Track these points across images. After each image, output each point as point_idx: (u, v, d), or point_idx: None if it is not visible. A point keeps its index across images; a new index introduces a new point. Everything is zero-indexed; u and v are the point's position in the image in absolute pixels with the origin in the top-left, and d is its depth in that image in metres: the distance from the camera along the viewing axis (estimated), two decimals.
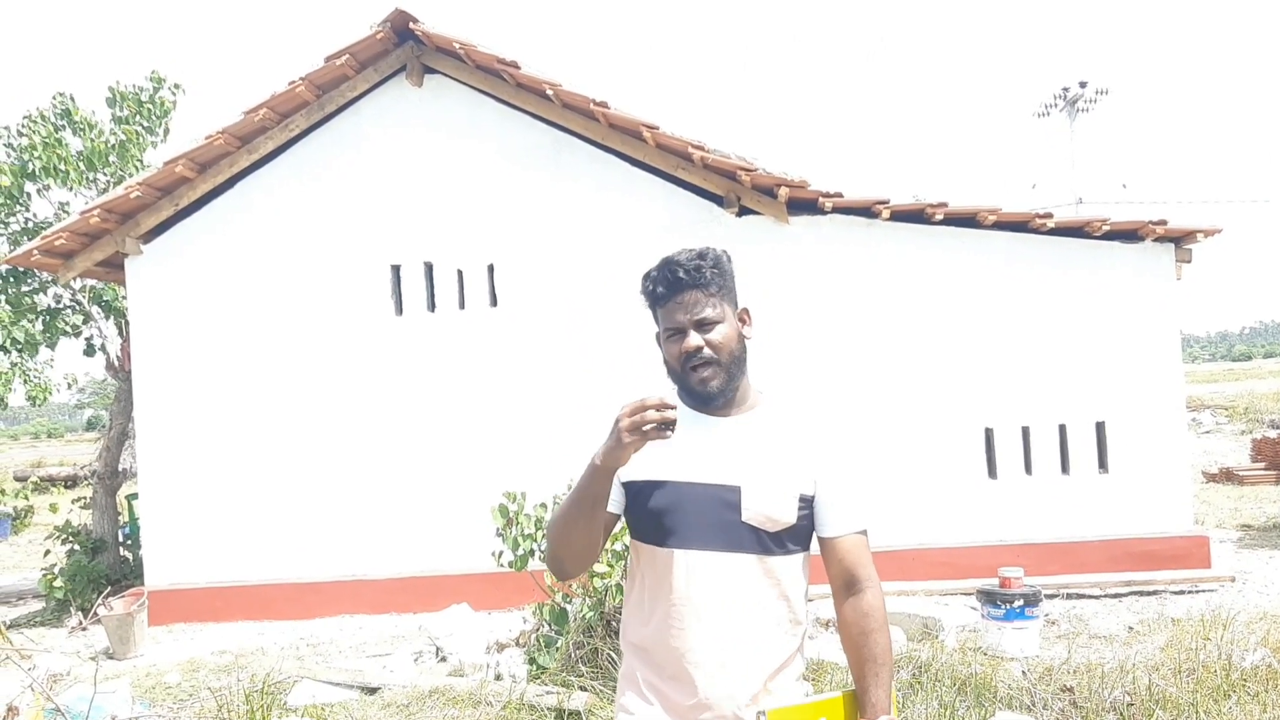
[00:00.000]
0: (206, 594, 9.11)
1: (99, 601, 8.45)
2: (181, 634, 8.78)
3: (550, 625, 6.29)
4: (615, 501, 2.20)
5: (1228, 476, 14.75)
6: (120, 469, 11.24)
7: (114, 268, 9.58)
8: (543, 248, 8.95)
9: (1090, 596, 8.09)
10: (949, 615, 7.06)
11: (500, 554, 6.41)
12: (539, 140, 8.99)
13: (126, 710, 5.92)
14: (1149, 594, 8.02)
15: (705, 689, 2.14)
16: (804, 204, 8.60)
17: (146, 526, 9.32)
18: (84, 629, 9.00)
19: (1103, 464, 8.56)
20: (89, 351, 11.79)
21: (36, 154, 11.00)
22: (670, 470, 2.18)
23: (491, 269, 9.06)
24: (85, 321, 11.84)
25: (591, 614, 5.89)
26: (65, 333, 11.82)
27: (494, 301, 9.06)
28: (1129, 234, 8.44)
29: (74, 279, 9.78)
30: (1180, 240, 8.44)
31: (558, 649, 6.09)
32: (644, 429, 1.92)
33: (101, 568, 10.37)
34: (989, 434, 8.66)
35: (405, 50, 8.91)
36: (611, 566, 5.91)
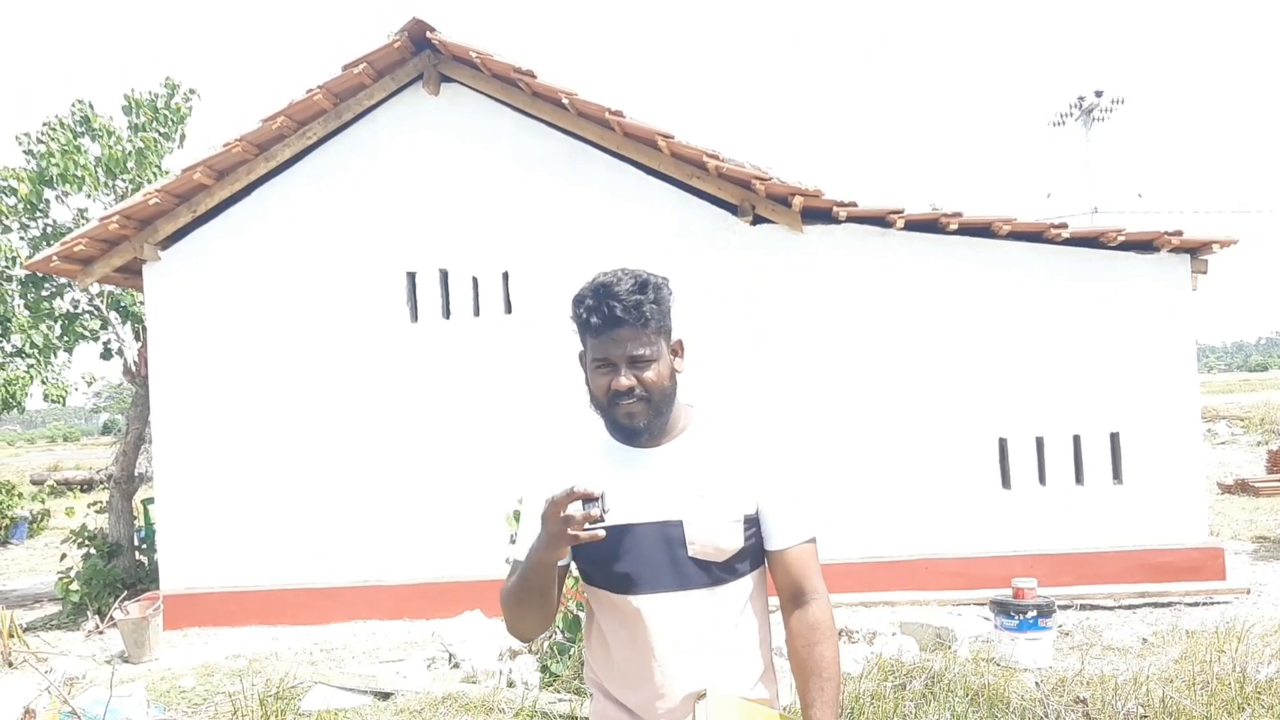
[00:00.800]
0: (221, 598, 9.15)
1: (115, 605, 8.50)
2: (196, 638, 8.82)
3: (563, 633, 6.30)
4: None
5: (1243, 488, 14.67)
6: (136, 473, 11.31)
7: (132, 273, 9.65)
8: (557, 255, 8.97)
9: (1104, 608, 8.06)
10: (962, 626, 7.06)
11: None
12: (554, 148, 9.03)
13: (141, 714, 5.96)
14: (1163, 606, 7.99)
15: None
16: (818, 213, 8.61)
17: (162, 531, 9.37)
18: (100, 633, 9.06)
19: (1117, 475, 8.53)
20: (106, 356, 11.88)
21: (55, 161, 11.10)
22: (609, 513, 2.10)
23: (506, 276, 9.09)
24: (103, 326, 11.94)
25: None
26: (83, 337, 11.93)
27: (508, 308, 9.09)
28: (1144, 244, 8.42)
29: (92, 284, 9.86)
30: (1196, 251, 8.42)
31: (570, 657, 6.11)
32: (571, 531, 1.87)
33: (117, 572, 10.44)
34: (1003, 444, 8.64)
35: (422, 59, 8.96)
36: None
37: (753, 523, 2.12)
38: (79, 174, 11.22)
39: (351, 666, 7.37)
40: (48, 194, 11.47)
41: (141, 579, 10.73)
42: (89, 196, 11.61)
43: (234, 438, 9.23)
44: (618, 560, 2.07)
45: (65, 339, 11.80)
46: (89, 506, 12.03)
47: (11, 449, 43.27)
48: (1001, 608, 6.57)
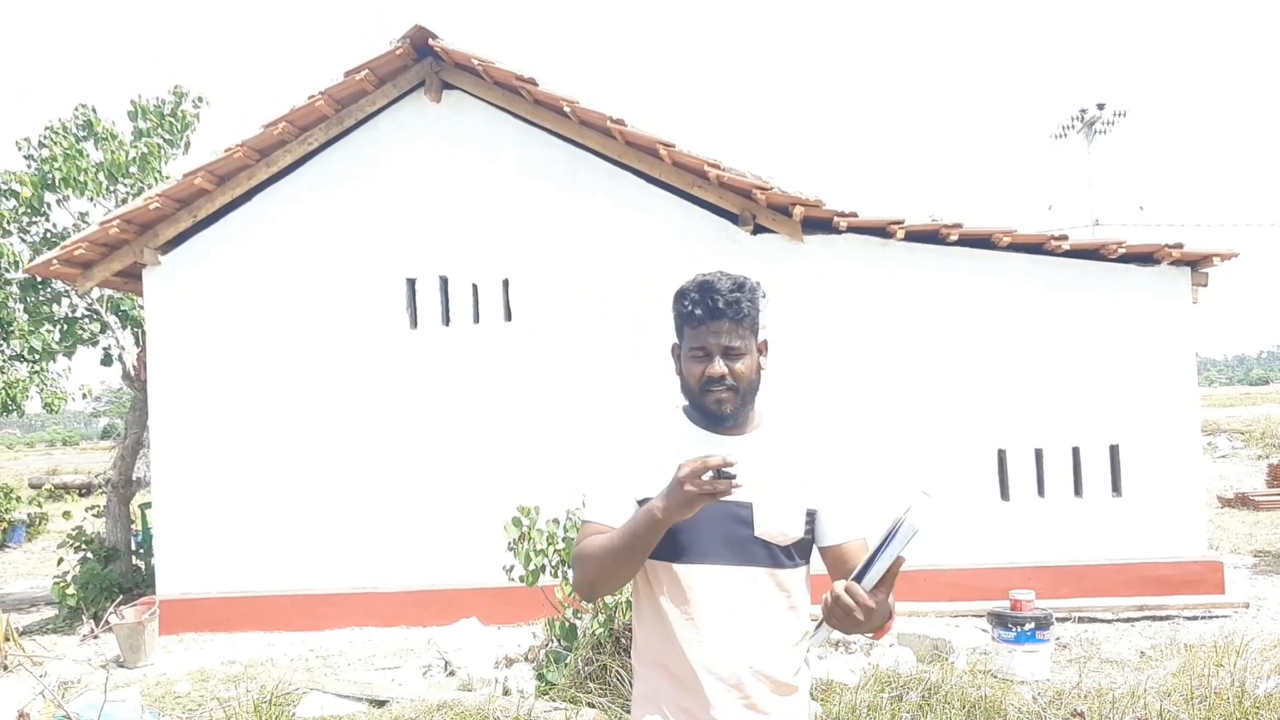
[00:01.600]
0: (218, 604, 9.13)
1: (111, 610, 8.49)
2: (192, 643, 8.80)
3: (560, 641, 6.29)
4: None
5: (1243, 501, 14.64)
6: (134, 478, 11.30)
7: (132, 278, 9.65)
8: (558, 263, 8.98)
9: (1102, 620, 8.04)
10: (959, 637, 7.03)
11: (511, 568, 6.41)
12: (555, 156, 9.04)
13: (136, 719, 5.94)
14: (1162, 619, 7.98)
15: (721, 703, 2.21)
16: (819, 223, 8.62)
17: (159, 535, 9.36)
18: (95, 637, 9.05)
19: (1116, 487, 8.52)
20: (106, 360, 11.87)
21: (57, 165, 11.11)
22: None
23: (506, 284, 9.09)
24: (102, 331, 11.92)
25: (601, 630, 5.89)
26: (82, 341, 11.92)
27: (508, 316, 9.09)
28: (1145, 257, 8.43)
29: (92, 288, 9.86)
30: (1196, 264, 8.42)
31: (566, 665, 6.09)
32: (709, 488, 1.99)
33: (114, 576, 10.42)
34: (1002, 455, 8.63)
35: (424, 66, 8.98)
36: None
37: (812, 517, 2.30)
38: (81, 178, 11.23)
39: (347, 673, 7.36)
40: (49, 198, 11.48)
41: (138, 584, 10.71)
42: (91, 201, 11.62)
43: (232, 443, 9.22)
44: (684, 531, 2.19)
45: (65, 343, 11.80)
46: (86, 510, 12.00)
47: (10, 452, 43.24)
48: (999, 619, 6.55)
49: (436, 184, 9.14)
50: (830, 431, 2.43)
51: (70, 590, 9.95)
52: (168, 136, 11.93)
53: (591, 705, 5.61)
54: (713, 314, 2.23)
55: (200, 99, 12.22)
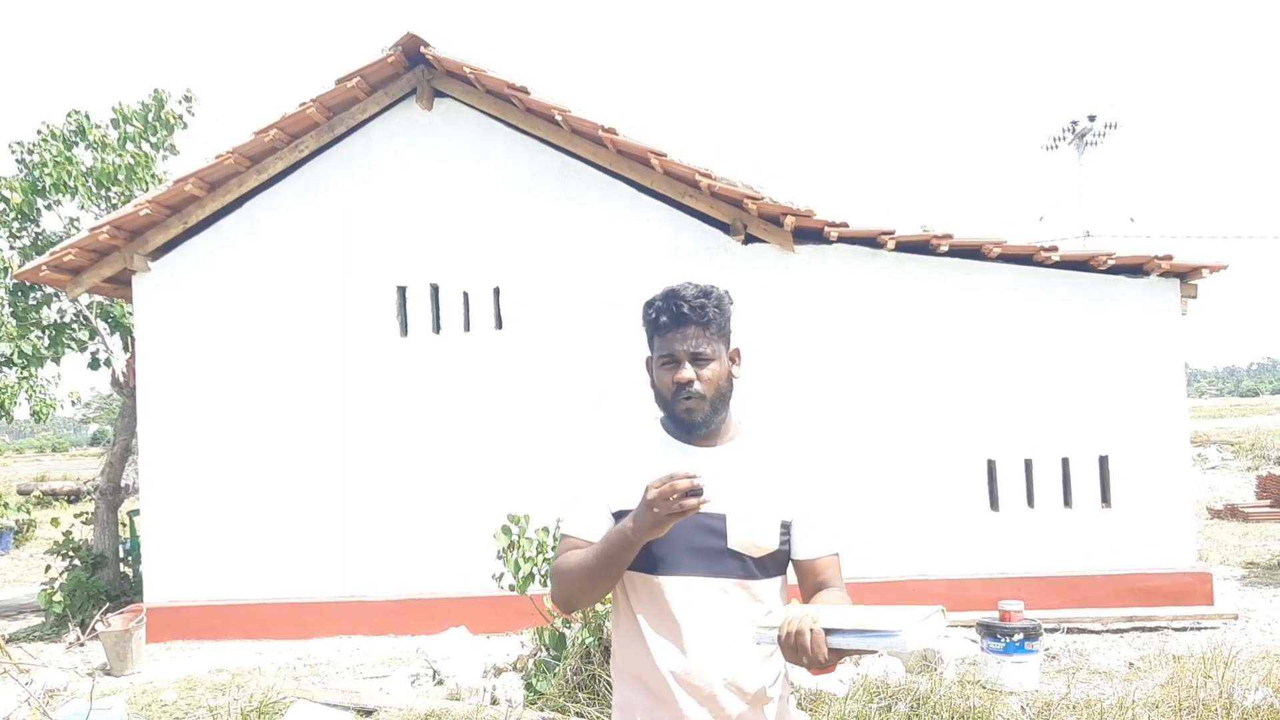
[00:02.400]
0: (205, 612, 9.09)
1: (98, 617, 8.45)
2: (179, 651, 8.76)
3: (548, 650, 6.27)
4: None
5: (1233, 513, 14.69)
6: (123, 485, 11.26)
7: (121, 284, 9.63)
8: (549, 271, 8.98)
9: (1091, 631, 8.05)
10: (948, 648, 7.02)
11: (501, 576, 6.40)
12: (547, 164, 9.05)
13: None
14: (1151, 630, 7.98)
15: (694, 714, 2.21)
16: (810, 233, 8.63)
17: (147, 543, 9.32)
18: (82, 644, 9.00)
19: (1105, 498, 8.53)
20: (94, 366, 11.83)
21: (48, 171, 11.09)
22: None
23: (497, 292, 9.09)
24: (92, 337, 11.89)
25: (590, 640, 5.88)
26: (71, 347, 11.88)
27: (499, 324, 9.08)
28: (1134, 269, 8.46)
29: (82, 294, 9.82)
30: (1186, 276, 8.45)
31: (555, 674, 6.07)
32: (678, 508, 1.98)
33: (101, 583, 10.37)
34: (991, 466, 8.64)
35: (416, 74, 8.98)
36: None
37: (787, 529, 2.30)
38: (72, 184, 11.20)
39: (335, 682, 7.32)
40: (39, 203, 11.45)
41: (125, 591, 10.66)
42: (81, 207, 11.60)
43: (221, 450, 9.19)
44: (658, 543, 2.17)
45: (53, 349, 11.76)
46: (75, 517, 11.96)
47: None
48: (988, 630, 6.55)
49: (428, 192, 9.14)
50: (808, 443, 2.43)
51: (57, 597, 9.90)
52: (153, 141, 11.90)
53: (580, 715, 5.60)
54: (678, 320, 2.25)
55: (188, 97, 12.19)
